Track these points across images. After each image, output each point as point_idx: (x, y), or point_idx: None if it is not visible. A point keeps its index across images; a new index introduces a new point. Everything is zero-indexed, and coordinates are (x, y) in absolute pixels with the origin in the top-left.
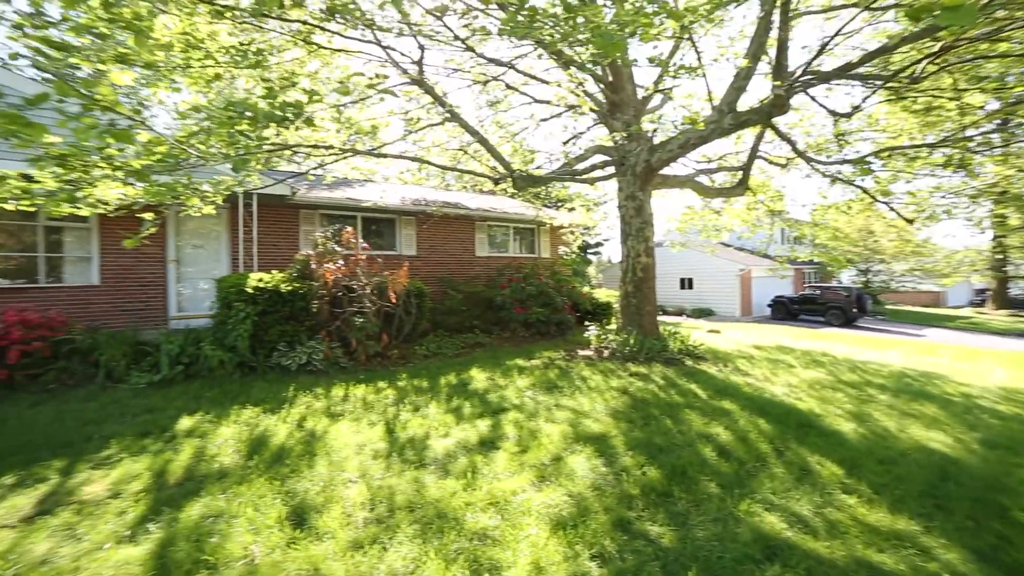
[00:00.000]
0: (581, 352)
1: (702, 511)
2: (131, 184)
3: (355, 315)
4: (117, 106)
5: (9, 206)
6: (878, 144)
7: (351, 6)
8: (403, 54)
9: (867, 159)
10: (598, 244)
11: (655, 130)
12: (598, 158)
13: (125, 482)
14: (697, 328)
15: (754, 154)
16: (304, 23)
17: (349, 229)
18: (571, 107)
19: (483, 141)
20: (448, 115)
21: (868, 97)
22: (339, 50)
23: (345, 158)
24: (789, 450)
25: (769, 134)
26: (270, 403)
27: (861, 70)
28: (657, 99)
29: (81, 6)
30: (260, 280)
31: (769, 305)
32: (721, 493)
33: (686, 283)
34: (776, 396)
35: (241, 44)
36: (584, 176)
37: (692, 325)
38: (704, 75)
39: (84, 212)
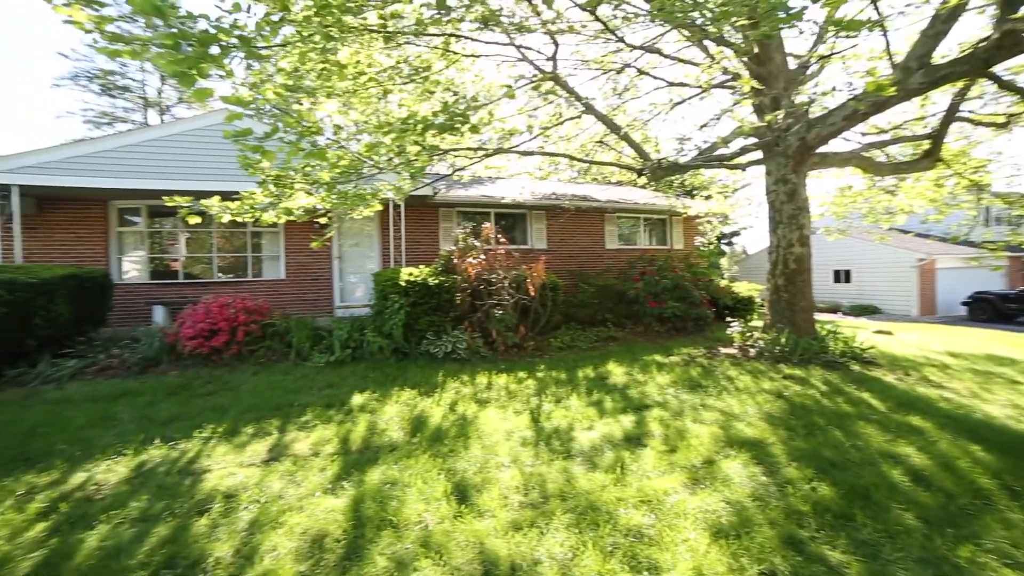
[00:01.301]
0: (723, 350)
1: (899, 546)
2: (313, 194)
3: (494, 307)
4: (320, 131)
5: (239, 218)
6: None
7: (502, 15)
8: (538, 51)
9: None
10: (733, 234)
11: (810, 102)
12: (743, 140)
13: (321, 444)
14: (859, 328)
15: (951, 116)
16: (448, 35)
17: (487, 225)
18: (710, 87)
19: (624, 135)
20: (584, 108)
21: None
22: (472, 55)
23: (479, 159)
24: None
25: (975, 88)
26: (424, 387)
27: None
28: (813, 66)
29: (306, 64)
30: (411, 274)
31: (965, 303)
32: (925, 529)
33: (841, 276)
34: (994, 418)
35: (398, 61)
36: (732, 162)
37: (853, 324)
38: (884, 27)
39: (280, 220)
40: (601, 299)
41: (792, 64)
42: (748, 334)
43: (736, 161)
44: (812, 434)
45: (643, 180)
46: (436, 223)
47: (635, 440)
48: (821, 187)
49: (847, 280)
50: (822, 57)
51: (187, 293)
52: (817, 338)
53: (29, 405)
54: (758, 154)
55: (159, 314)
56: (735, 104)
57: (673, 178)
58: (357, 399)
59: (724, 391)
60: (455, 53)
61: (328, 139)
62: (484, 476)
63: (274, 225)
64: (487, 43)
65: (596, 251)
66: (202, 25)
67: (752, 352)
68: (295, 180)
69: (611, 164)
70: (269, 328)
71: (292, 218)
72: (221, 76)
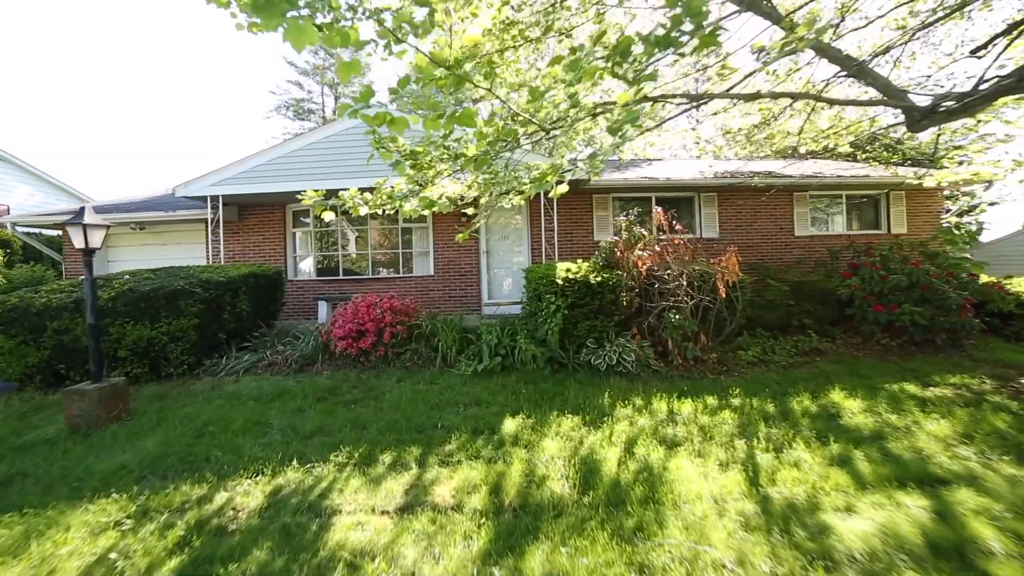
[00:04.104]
0: None
1: None
2: (459, 179)
3: (669, 310)
4: (467, 79)
5: (378, 210)
6: None
7: None
8: None
9: None
10: (970, 210)
11: None
12: None
13: (466, 491)
14: None
15: None
16: None
17: (659, 210)
18: None
19: (866, 69)
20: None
21: None
22: None
23: (691, 105)
24: None
25: None
26: (588, 412)
27: None
28: None
29: None
30: (568, 271)
31: None
32: None
33: None
34: None
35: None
36: None
37: None
38: None
39: (422, 212)
40: (796, 299)
41: None
42: None
43: None
44: None
45: (846, 147)
46: (589, 211)
47: (956, 554)
48: None
49: None
50: None
51: (346, 289)
52: None
53: (210, 399)
54: None
55: (323, 309)
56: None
57: (889, 141)
58: (508, 425)
59: None
60: None
61: (481, 91)
62: None
63: (423, 220)
64: None
65: (782, 239)
66: None
67: None
68: (435, 158)
69: (864, 103)
70: (415, 330)
71: (435, 209)
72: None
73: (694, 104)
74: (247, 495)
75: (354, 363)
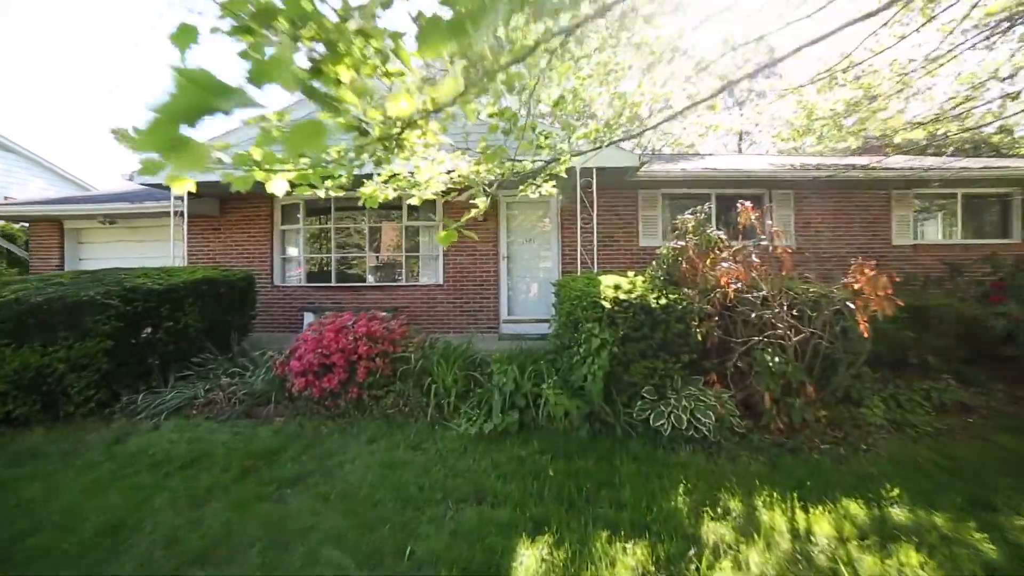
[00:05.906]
0: None
1: None
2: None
3: (762, 349)
4: None
5: (318, 191)
6: None
7: None
8: None
9: None
10: None
11: None
12: None
13: None
14: None
15: None
16: None
17: (747, 205)
18: None
19: None
20: None
21: None
22: None
23: None
24: None
25: None
26: (658, 530)
27: None
28: None
29: None
30: (618, 288)
31: None
32: None
33: None
34: None
35: None
36: None
37: None
38: None
39: (372, 194)
40: (917, 330)
41: None
42: None
43: None
44: None
45: (949, 134)
46: (634, 210)
47: None
48: None
49: None
50: None
51: (339, 298)
52: None
53: (95, 463)
54: None
55: (308, 321)
56: None
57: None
58: (525, 558)
59: None
60: None
61: None
62: None
63: (431, 217)
64: None
65: (875, 249)
66: None
67: None
68: (362, 52)
69: None
70: (401, 364)
71: (410, 191)
72: None
73: None
74: None
75: (318, 406)
